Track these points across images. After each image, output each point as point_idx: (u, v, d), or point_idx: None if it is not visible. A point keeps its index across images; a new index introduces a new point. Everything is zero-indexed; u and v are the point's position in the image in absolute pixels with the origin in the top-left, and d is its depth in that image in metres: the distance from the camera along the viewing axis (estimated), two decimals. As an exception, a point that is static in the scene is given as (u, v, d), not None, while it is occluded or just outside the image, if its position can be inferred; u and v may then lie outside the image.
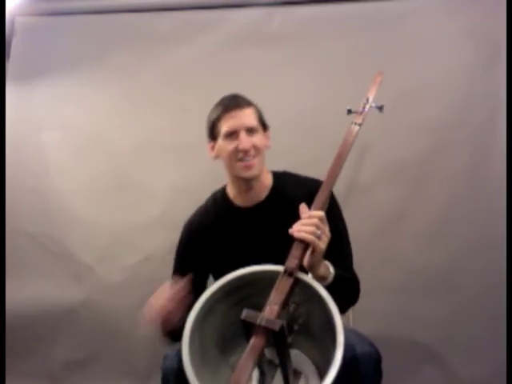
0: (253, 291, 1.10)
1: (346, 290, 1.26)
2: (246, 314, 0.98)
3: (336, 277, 1.17)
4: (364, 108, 1.31)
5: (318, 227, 1.07)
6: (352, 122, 1.28)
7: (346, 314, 1.63)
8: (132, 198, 2.36)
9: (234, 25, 2.40)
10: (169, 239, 2.19)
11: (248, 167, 1.32)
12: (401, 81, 2.15)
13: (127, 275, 2.32)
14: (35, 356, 2.33)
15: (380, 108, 1.34)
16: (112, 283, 2.32)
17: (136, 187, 2.37)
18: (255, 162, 1.33)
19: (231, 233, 1.40)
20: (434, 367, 2.08)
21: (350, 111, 1.32)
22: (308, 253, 1.09)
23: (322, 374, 1.10)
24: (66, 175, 2.43)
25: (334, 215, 1.13)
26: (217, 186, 1.56)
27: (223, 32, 2.40)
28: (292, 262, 1.05)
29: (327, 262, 1.18)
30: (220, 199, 1.46)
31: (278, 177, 1.44)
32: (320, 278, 1.14)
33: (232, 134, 1.33)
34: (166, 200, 2.33)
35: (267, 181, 1.42)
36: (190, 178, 2.29)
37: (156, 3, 2.50)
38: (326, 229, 1.10)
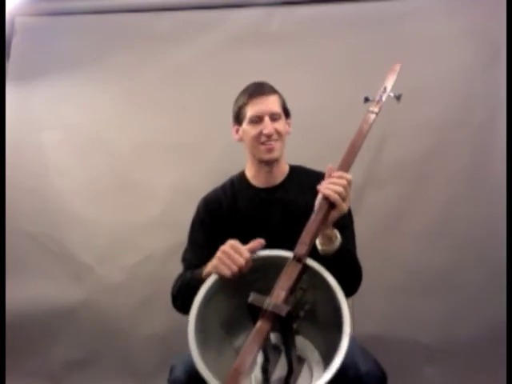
0: (259, 276, 1.10)
1: (350, 267, 1.27)
2: (253, 297, 0.97)
3: (342, 245, 1.19)
4: (381, 97, 1.29)
5: (345, 189, 1.10)
6: (368, 111, 1.26)
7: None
8: (132, 198, 2.36)
9: (234, 25, 2.41)
10: (169, 239, 2.22)
11: (270, 150, 1.39)
12: (401, 81, 2.14)
13: (127, 275, 2.32)
14: (35, 356, 2.33)
15: (398, 97, 1.32)
16: (112, 283, 2.32)
17: (136, 187, 2.37)
18: (277, 145, 1.40)
19: (246, 209, 1.44)
20: (434, 367, 2.09)
21: (366, 99, 1.30)
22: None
23: (325, 362, 1.09)
24: (66, 175, 2.43)
25: None
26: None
27: (223, 32, 2.40)
28: (301, 248, 1.05)
29: (336, 230, 1.20)
30: (237, 179, 1.52)
31: (294, 167, 1.51)
32: (327, 239, 1.17)
33: (257, 119, 1.40)
34: (166, 200, 2.33)
35: (284, 168, 1.49)
36: (190, 178, 2.29)
37: (156, 3, 2.50)
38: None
